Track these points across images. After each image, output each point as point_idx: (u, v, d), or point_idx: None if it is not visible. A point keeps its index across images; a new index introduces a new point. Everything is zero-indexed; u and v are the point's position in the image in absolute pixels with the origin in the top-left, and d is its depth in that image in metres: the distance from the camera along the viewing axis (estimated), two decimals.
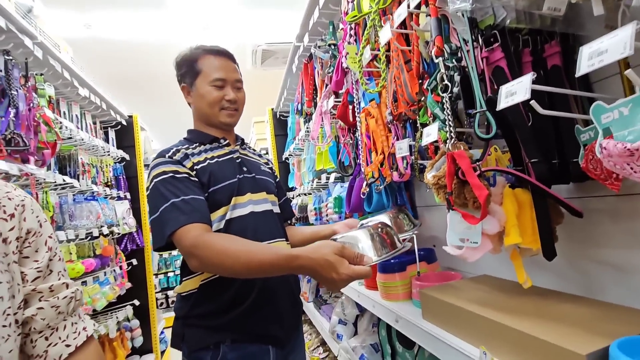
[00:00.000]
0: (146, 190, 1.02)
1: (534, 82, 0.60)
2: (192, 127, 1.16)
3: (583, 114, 0.72)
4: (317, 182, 2.13)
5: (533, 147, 0.70)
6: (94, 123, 2.74)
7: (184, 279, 1.01)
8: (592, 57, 0.44)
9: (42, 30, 1.73)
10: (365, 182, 1.27)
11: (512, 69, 0.72)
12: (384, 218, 1.14)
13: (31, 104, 1.66)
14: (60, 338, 0.65)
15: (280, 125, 3.31)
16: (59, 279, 0.67)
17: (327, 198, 1.88)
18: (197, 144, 1.07)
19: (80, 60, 2.52)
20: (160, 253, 5.58)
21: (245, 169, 1.08)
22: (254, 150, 1.25)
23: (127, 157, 3.10)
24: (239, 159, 1.10)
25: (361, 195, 1.29)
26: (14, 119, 1.53)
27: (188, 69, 1.09)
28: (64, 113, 2.21)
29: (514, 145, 0.77)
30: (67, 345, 0.65)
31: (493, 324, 0.69)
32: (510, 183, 0.79)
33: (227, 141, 1.12)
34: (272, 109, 3.35)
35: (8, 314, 0.58)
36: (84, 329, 0.69)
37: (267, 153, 3.90)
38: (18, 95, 1.57)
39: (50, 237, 0.69)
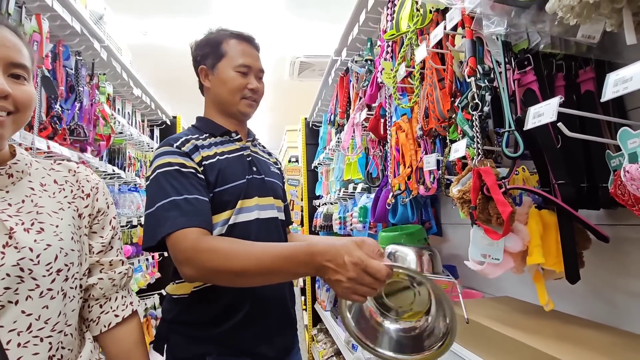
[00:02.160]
0: (146, 180, 0.91)
1: (562, 106, 0.62)
2: (202, 115, 1.06)
3: (614, 139, 0.72)
4: (343, 192, 2.17)
5: (561, 169, 0.71)
6: (142, 121, 2.96)
7: (176, 282, 0.93)
8: (617, 84, 0.46)
9: (109, 35, 1.93)
10: (391, 194, 1.30)
11: (543, 92, 0.74)
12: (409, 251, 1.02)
13: (93, 100, 1.85)
14: (111, 308, 0.75)
15: (312, 135, 3.40)
16: (117, 256, 0.78)
17: (353, 208, 1.92)
18: (207, 135, 0.97)
19: (135, 63, 2.76)
20: None
21: (255, 169, 0.99)
22: (264, 147, 1.15)
23: None
24: (250, 157, 1.00)
25: (386, 206, 1.32)
26: (78, 112, 1.71)
27: (211, 50, 1.00)
28: (118, 110, 2.43)
29: (542, 166, 0.78)
30: (116, 315, 0.75)
31: (511, 342, 0.70)
32: (537, 204, 0.80)
33: (239, 135, 1.03)
34: (306, 119, 3.45)
35: (76, 278, 0.68)
36: (131, 303, 0.79)
37: (296, 161, 4.00)
38: (84, 91, 1.76)
39: (114, 217, 0.80)
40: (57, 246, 0.63)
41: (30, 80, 0.65)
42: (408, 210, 1.31)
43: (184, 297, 0.91)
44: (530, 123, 0.62)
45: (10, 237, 0.59)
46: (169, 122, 3.37)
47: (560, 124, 0.58)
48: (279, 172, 1.13)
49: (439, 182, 1.08)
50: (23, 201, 0.64)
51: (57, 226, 0.65)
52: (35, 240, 0.61)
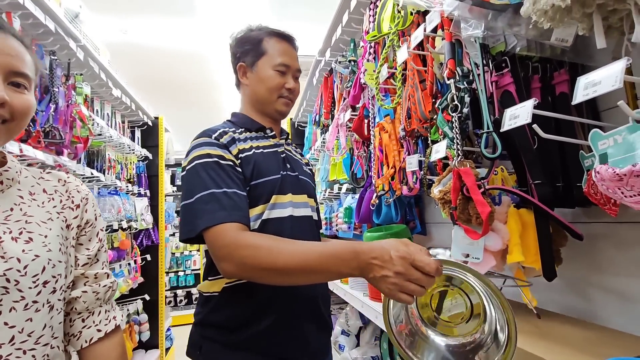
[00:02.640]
0: (182, 170, 0.89)
1: (538, 107, 0.63)
2: (237, 111, 1.06)
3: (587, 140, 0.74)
4: (329, 192, 2.17)
5: (537, 169, 0.72)
6: (123, 122, 2.89)
7: (208, 279, 0.91)
8: (587, 87, 0.47)
9: (86, 34, 1.87)
10: (375, 194, 1.31)
11: (520, 94, 0.75)
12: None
13: (69, 101, 1.78)
14: (94, 322, 0.72)
15: (298, 135, 3.39)
16: (102, 269, 0.76)
17: (338, 208, 1.92)
18: (243, 130, 0.97)
19: (115, 62, 2.69)
20: (173, 252, 5.70)
21: (289, 165, 0.98)
22: (296, 147, 1.14)
23: (150, 156, 3.24)
24: (284, 154, 0.99)
25: (370, 207, 1.32)
26: (53, 113, 1.65)
27: (252, 48, 1.00)
28: (97, 111, 2.36)
29: (520, 166, 0.79)
30: (99, 330, 0.72)
31: None
32: (516, 203, 0.82)
33: (274, 132, 1.02)
34: (291, 119, 3.44)
35: (63, 291, 0.66)
36: (114, 318, 0.76)
37: None
38: (59, 92, 1.70)
39: (101, 229, 0.79)
40: (45, 257, 0.62)
41: (31, 90, 0.65)
42: (392, 211, 1.32)
43: (215, 295, 0.89)
44: (507, 125, 0.63)
45: None
46: (150, 123, 3.30)
47: (535, 126, 0.60)
48: (310, 172, 1.12)
49: (421, 183, 1.09)
50: (12, 209, 0.63)
51: (45, 236, 0.64)
52: (23, 250, 0.60)
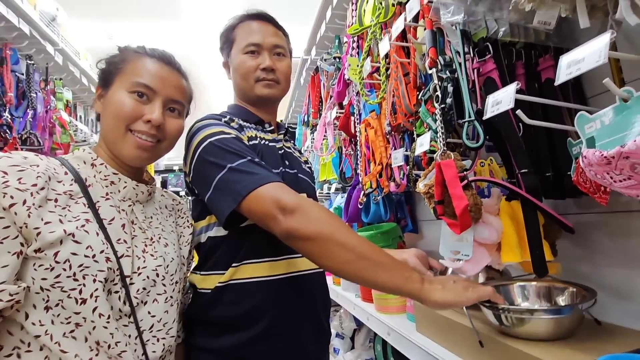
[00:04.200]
0: (192, 155, 0.79)
1: (521, 93, 0.60)
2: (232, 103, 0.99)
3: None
4: (319, 193, 2.14)
5: (523, 158, 0.69)
6: None
7: (200, 272, 0.85)
8: (570, 65, 0.44)
9: (64, 37, 1.83)
10: (362, 192, 1.27)
11: (503, 80, 0.72)
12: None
13: (49, 107, 1.74)
14: (179, 329, 0.83)
15: (289, 135, 3.36)
16: (187, 283, 0.90)
17: (329, 209, 1.89)
18: (241, 120, 0.90)
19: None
20: None
21: (287, 162, 0.92)
22: (294, 144, 1.08)
23: None
24: (282, 150, 0.93)
25: (358, 205, 1.29)
26: (31, 120, 1.60)
27: (225, 40, 0.94)
28: (80, 117, 2.30)
29: (507, 157, 0.76)
30: (178, 336, 0.83)
31: (484, 338, 0.67)
32: (506, 195, 0.78)
33: (272, 127, 0.96)
34: (281, 120, 3.41)
35: (182, 293, 0.81)
36: (181, 330, 0.87)
37: None
38: (37, 97, 1.65)
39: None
40: (177, 261, 0.74)
41: (183, 115, 0.77)
42: (381, 209, 1.28)
43: (207, 292, 0.82)
44: (489, 112, 0.60)
45: (147, 245, 0.68)
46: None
47: (519, 111, 0.57)
48: (310, 171, 1.04)
49: (408, 178, 1.05)
50: (152, 217, 0.75)
51: (174, 244, 0.76)
52: (165, 252, 0.71)
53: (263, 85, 0.90)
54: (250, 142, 0.84)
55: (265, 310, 0.80)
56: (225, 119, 0.85)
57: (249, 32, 0.91)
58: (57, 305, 0.56)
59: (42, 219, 0.55)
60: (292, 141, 1.05)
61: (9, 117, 1.48)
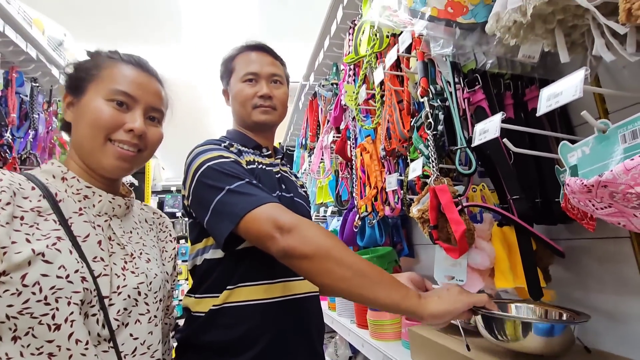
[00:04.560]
0: (192, 179, 0.80)
1: (510, 121, 0.63)
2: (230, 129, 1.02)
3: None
4: (316, 216, 2.14)
5: (514, 185, 0.71)
6: None
7: (195, 296, 0.84)
8: (550, 98, 0.46)
9: (70, 61, 1.88)
10: (357, 216, 1.28)
11: (492, 109, 0.75)
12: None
13: (50, 128, 1.76)
14: (163, 352, 0.76)
15: (287, 159, 3.39)
16: (172, 302, 0.86)
17: None
18: (240, 145, 0.93)
19: None
20: None
21: (284, 186, 0.94)
22: (290, 168, 1.11)
23: (136, 182, 3.20)
24: (279, 175, 0.95)
25: (354, 229, 1.29)
26: (32, 140, 1.62)
27: (225, 69, 1.00)
28: None
29: (499, 183, 0.78)
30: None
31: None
32: (499, 221, 0.79)
33: (269, 152, 0.99)
34: (280, 143, 3.45)
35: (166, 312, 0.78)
36: (170, 349, 0.85)
37: None
38: (39, 118, 1.68)
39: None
40: (161, 277, 0.69)
41: (162, 123, 0.74)
42: (376, 232, 1.28)
43: (201, 315, 0.81)
44: (477, 139, 0.62)
45: (127, 262, 0.64)
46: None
47: (505, 140, 0.59)
48: (305, 194, 1.07)
49: (402, 202, 1.06)
50: (131, 231, 0.70)
51: (156, 259, 0.71)
52: (147, 268, 0.66)
53: (260, 112, 0.94)
54: (248, 167, 0.86)
55: (260, 334, 0.79)
56: (225, 144, 0.87)
57: (247, 62, 0.96)
58: (26, 334, 0.50)
59: (9, 238, 0.50)
60: (288, 165, 1.08)
61: (10, 137, 1.51)
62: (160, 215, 0.83)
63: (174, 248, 0.81)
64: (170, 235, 0.82)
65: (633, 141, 0.38)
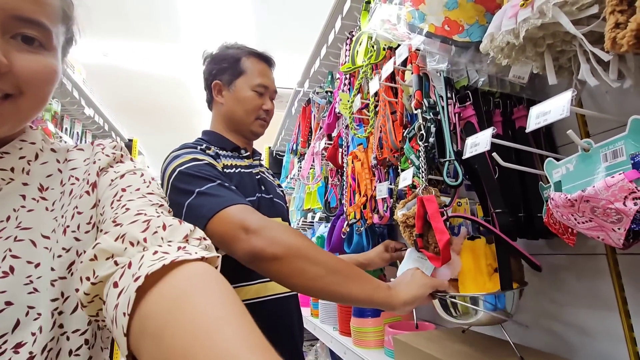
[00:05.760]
0: (167, 186, 0.78)
1: (498, 138, 0.65)
2: (208, 129, 1.02)
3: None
4: (303, 222, 2.14)
5: (498, 198, 0.73)
6: (93, 142, 2.80)
7: None
8: (538, 116, 0.49)
9: None
10: (346, 222, 1.29)
11: (481, 125, 0.78)
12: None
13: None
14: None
15: (276, 163, 3.39)
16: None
17: (312, 237, 1.88)
18: (218, 148, 0.93)
19: (92, 82, 2.65)
20: None
21: (263, 187, 0.96)
22: (268, 169, 1.12)
23: None
24: (258, 176, 0.97)
25: (341, 235, 1.30)
26: None
27: (229, 66, 0.98)
28: (66, 129, 2.28)
29: (483, 196, 0.81)
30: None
31: None
32: (471, 235, 0.82)
33: (248, 153, 1.01)
34: (270, 147, 3.45)
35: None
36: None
37: None
38: None
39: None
40: (24, 303, 0.39)
41: (51, 46, 0.43)
42: (363, 240, 1.30)
43: None
44: (468, 152, 0.64)
45: None
46: (123, 145, 3.22)
47: (494, 154, 0.61)
48: (282, 194, 1.08)
49: (391, 211, 1.08)
50: (8, 218, 0.42)
51: (37, 265, 0.41)
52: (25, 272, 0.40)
53: (260, 125, 1.00)
54: (226, 170, 0.87)
55: None
56: (202, 147, 0.87)
57: (261, 73, 0.99)
58: None
59: None
60: (265, 167, 1.10)
61: None
62: (66, 159, 0.51)
63: (94, 206, 0.46)
64: (88, 180, 0.48)
65: (614, 160, 0.41)
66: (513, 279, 0.72)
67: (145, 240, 0.36)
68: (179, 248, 0.36)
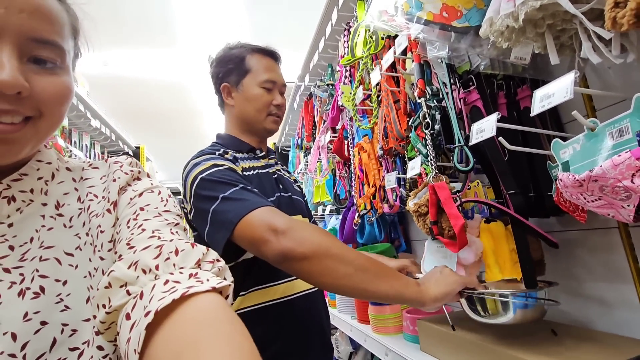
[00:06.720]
0: (190, 194, 0.79)
1: (504, 121, 0.66)
2: (222, 133, 1.02)
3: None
4: (314, 214, 2.16)
5: (509, 180, 0.74)
6: (102, 153, 2.84)
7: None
8: (543, 99, 0.50)
9: None
10: (357, 214, 1.31)
11: (487, 109, 0.79)
12: None
13: None
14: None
15: (282, 159, 3.40)
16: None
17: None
18: (234, 151, 0.93)
19: (95, 93, 2.68)
20: None
21: (281, 186, 0.96)
22: (283, 166, 1.11)
23: None
24: (275, 175, 0.97)
25: (353, 226, 1.32)
26: None
27: (235, 67, 0.97)
28: (75, 142, 2.32)
29: (494, 179, 0.82)
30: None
31: (491, 352, 0.69)
32: (486, 218, 0.83)
33: (263, 153, 1.00)
34: (274, 143, 3.46)
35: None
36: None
37: None
38: None
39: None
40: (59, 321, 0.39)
41: (65, 65, 0.42)
42: (375, 229, 1.31)
43: None
44: (474, 138, 0.65)
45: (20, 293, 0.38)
46: (131, 153, 3.27)
47: (501, 138, 0.62)
48: (300, 189, 1.08)
49: (401, 200, 1.10)
50: (31, 240, 0.41)
51: (64, 283, 0.41)
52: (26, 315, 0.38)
53: (272, 121, 0.97)
54: (245, 173, 0.87)
55: (278, 331, 0.82)
56: (219, 152, 0.88)
57: (267, 68, 0.97)
58: None
59: None
60: (281, 164, 1.09)
61: None
62: (82, 178, 0.50)
63: (113, 225, 0.46)
64: (109, 199, 0.48)
65: (620, 138, 0.42)
66: (533, 256, 0.73)
67: (157, 267, 0.37)
68: (190, 275, 0.36)
